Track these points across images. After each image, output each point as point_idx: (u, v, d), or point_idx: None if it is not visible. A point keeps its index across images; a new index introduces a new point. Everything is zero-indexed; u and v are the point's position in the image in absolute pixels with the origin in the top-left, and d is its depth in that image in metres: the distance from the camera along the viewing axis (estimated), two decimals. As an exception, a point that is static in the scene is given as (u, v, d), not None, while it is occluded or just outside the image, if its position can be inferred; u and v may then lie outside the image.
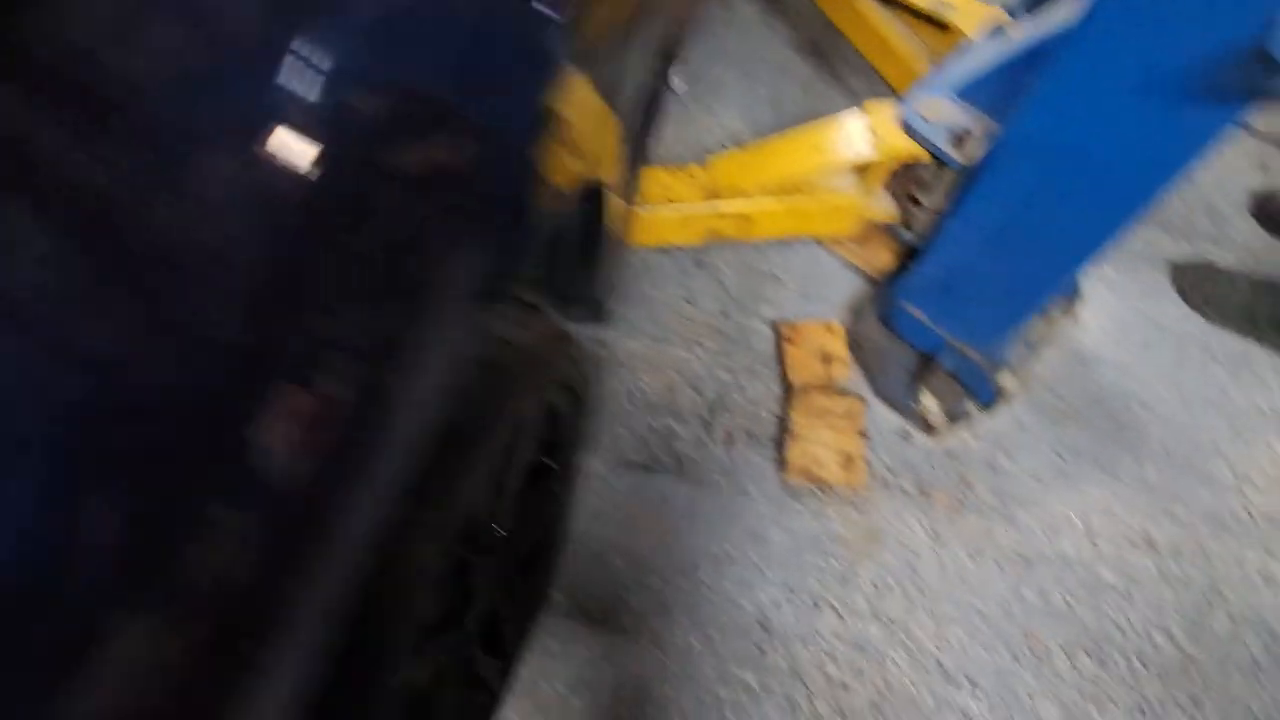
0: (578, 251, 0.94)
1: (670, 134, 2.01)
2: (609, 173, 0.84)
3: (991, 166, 1.14)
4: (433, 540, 0.62)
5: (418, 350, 0.45)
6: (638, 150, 1.39)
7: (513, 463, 0.86)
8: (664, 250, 1.77)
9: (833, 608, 1.40)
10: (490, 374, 0.67)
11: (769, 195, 1.29)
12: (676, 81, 1.97)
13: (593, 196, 0.83)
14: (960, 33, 1.37)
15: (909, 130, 1.22)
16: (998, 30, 1.32)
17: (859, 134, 1.24)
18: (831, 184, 1.32)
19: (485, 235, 0.50)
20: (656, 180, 1.46)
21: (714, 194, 1.31)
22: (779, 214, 1.32)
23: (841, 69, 2.20)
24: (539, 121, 0.52)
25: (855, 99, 2.16)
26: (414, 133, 0.43)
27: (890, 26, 1.57)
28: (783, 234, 1.52)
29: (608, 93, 0.86)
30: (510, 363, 0.71)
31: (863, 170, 1.30)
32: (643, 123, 1.30)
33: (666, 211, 1.34)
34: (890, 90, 1.73)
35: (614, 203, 0.99)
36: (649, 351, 1.68)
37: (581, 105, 0.73)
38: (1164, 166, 0.96)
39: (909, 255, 1.60)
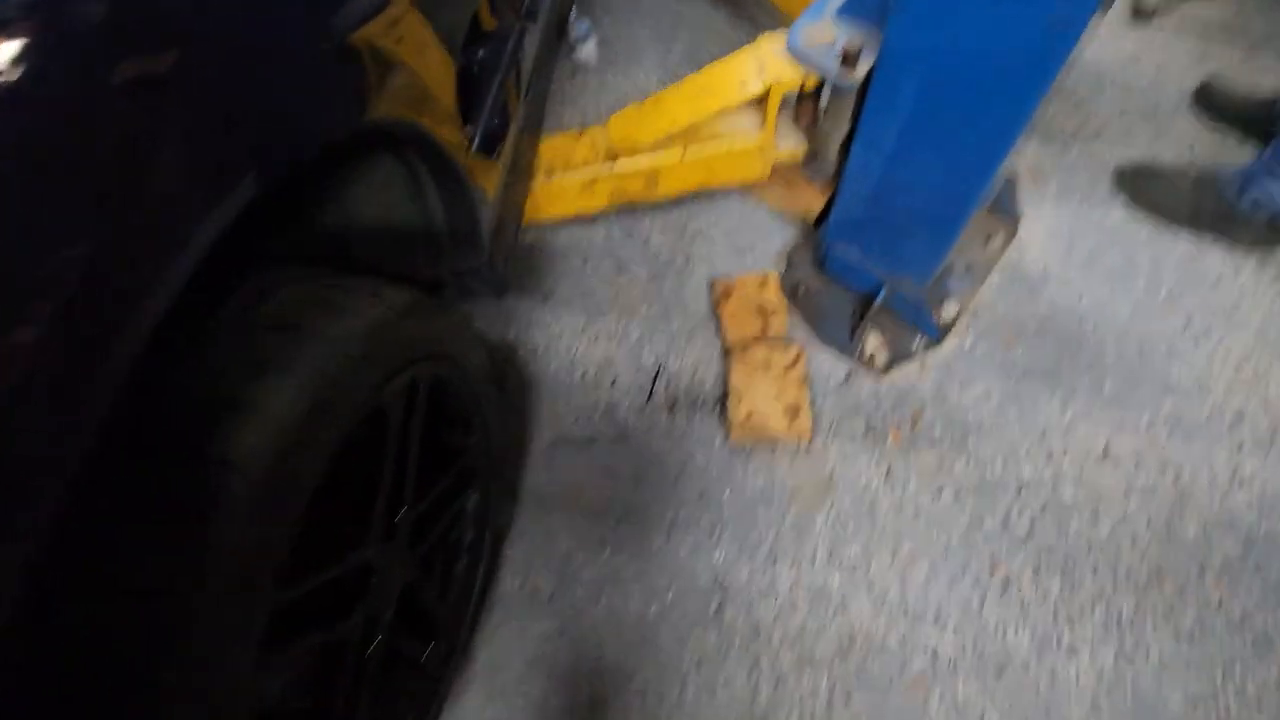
0: (427, 205, 0.90)
1: (586, 102, 1.97)
2: (437, 118, 0.80)
3: (878, 80, 1.10)
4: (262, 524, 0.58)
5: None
6: (531, 116, 1.35)
7: (390, 440, 0.83)
8: (591, 222, 1.74)
9: (791, 560, 1.37)
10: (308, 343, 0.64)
11: (668, 148, 1.25)
12: (587, 50, 1.93)
13: (423, 141, 0.79)
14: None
15: (797, 56, 1.18)
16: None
17: (750, 69, 1.20)
18: (732, 127, 1.27)
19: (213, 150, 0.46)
20: (555, 147, 1.42)
21: (614, 154, 1.27)
22: (681, 166, 1.27)
23: (756, 14, 2.16)
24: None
25: (779, 48, 2.12)
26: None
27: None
28: (691, 187, 1.48)
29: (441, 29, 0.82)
30: (344, 336, 0.68)
31: (760, 107, 1.26)
32: (530, 85, 1.26)
33: (569, 178, 1.30)
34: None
35: (469, 161, 0.95)
36: (584, 325, 1.65)
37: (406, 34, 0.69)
38: (1046, 52, 0.91)
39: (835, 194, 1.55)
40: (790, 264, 1.67)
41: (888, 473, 1.44)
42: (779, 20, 2.06)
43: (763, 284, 1.61)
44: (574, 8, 1.93)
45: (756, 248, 1.72)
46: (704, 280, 1.69)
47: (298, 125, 0.57)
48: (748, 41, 2.12)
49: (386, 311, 0.75)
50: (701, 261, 1.72)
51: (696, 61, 2.05)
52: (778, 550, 1.38)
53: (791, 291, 1.62)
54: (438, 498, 1.04)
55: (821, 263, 1.60)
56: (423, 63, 0.76)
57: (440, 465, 1.05)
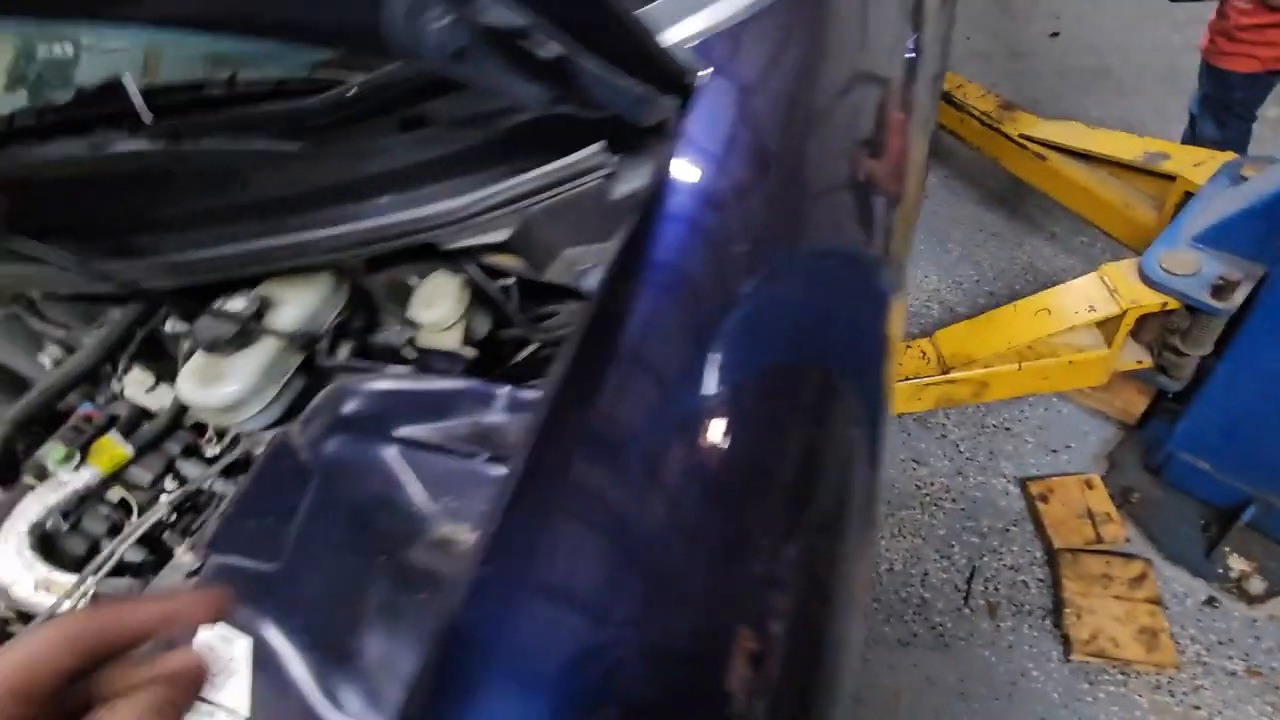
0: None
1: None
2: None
3: (1266, 309, 1.10)
4: None
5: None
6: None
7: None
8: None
9: (1170, 823, 1.18)
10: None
11: (1006, 362, 1.32)
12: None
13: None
14: (1185, 180, 1.38)
15: (1155, 284, 1.22)
16: (1232, 172, 1.31)
17: (1096, 293, 1.26)
18: (1068, 340, 1.31)
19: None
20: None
21: (946, 366, 1.36)
22: (1018, 376, 1.33)
23: (1035, 215, 2.23)
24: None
25: (1056, 241, 2.16)
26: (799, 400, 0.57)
27: (1094, 178, 1.61)
28: (1022, 393, 1.51)
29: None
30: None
31: (1104, 325, 1.29)
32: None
33: (900, 386, 1.40)
34: (1099, 229, 1.72)
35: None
36: (884, 517, 1.67)
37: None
38: None
39: (1162, 397, 1.49)
40: (1113, 466, 1.59)
41: (1288, 728, 1.23)
42: (1056, 215, 2.12)
43: (1086, 486, 1.54)
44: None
45: (1067, 447, 1.67)
46: (1012, 477, 1.66)
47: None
48: (1029, 237, 2.19)
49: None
50: (1006, 458, 1.69)
51: (976, 261, 2.15)
52: (1150, 807, 1.21)
53: (1121, 497, 1.53)
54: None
55: (1158, 469, 1.51)
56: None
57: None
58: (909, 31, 0.96)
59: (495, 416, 0.60)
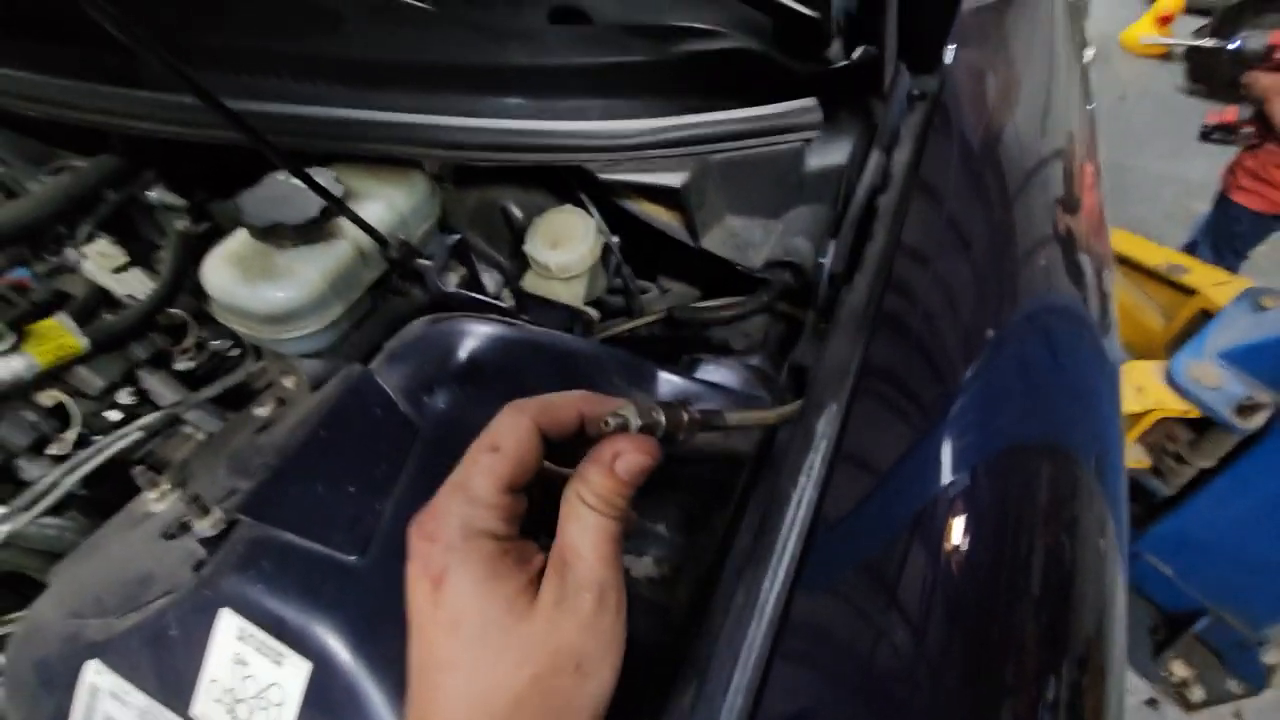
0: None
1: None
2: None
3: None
4: None
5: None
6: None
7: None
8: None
9: None
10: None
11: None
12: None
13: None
14: (1205, 298, 1.43)
15: (1183, 391, 1.23)
16: (1253, 299, 1.36)
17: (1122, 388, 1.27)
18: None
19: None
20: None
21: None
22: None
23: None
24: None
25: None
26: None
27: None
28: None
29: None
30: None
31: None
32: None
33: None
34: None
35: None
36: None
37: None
38: None
39: (1144, 499, 1.53)
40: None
41: (1209, 839, 1.26)
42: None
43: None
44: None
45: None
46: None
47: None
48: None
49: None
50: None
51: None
52: None
53: (1080, 587, 1.55)
54: None
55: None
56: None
57: None
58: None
59: (645, 399, 0.47)
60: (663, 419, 0.31)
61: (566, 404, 0.31)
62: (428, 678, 0.27)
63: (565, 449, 0.31)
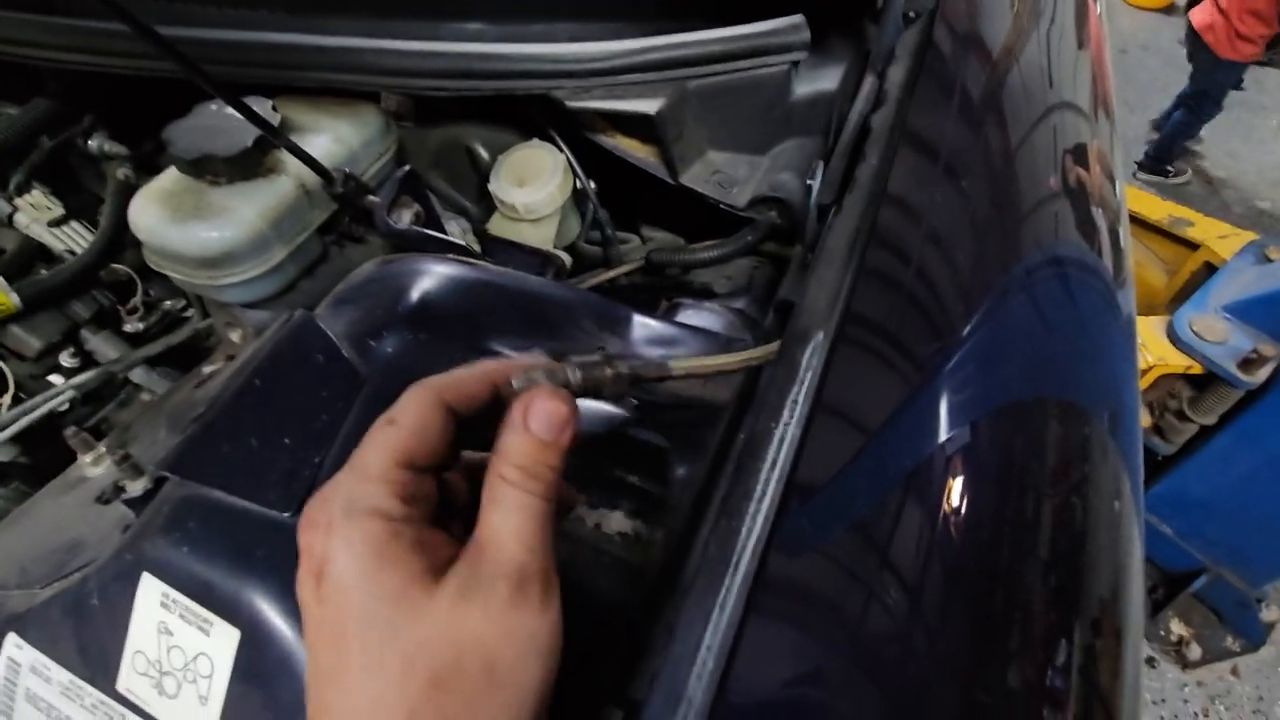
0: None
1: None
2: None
3: (1290, 391, 1.09)
4: None
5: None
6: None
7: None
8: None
9: None
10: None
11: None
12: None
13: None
14: (1209, 250, 1.39)
15: (1184, 346, 1.20)
16: (1257, 251, 1.32)
17: (1121, 342, 1.24)
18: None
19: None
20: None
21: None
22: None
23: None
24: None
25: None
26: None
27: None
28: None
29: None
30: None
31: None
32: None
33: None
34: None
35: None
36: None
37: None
38: None
39: (1149, 463, 1.51)
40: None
41: (1205, 793, 1.27)
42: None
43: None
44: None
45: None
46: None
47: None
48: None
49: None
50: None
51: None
52: None
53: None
54: None
55: (1116, 526, 1.53)
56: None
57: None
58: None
59: (620, 346, 0.43)
60: (578, 374, 0.27)
61: (476, 375, 0.27)
62: (316, 695, 0.22)
63: (487, 432, 0.26)
